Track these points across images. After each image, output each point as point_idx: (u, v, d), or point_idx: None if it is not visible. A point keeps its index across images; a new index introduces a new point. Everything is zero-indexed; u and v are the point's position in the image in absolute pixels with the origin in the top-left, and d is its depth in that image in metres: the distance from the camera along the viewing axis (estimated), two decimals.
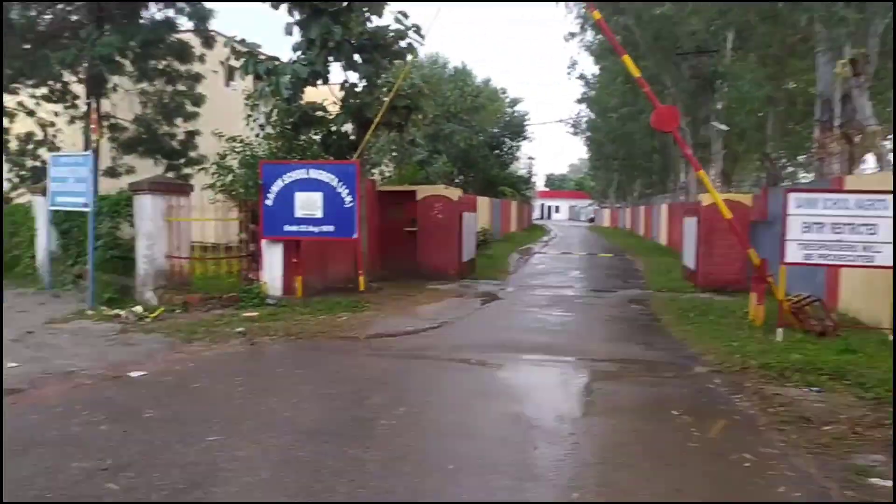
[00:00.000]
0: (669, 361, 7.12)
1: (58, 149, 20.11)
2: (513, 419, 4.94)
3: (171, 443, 4.24)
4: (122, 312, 9.75)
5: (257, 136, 11.44)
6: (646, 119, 37.46)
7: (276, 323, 9.12)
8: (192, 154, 16.43)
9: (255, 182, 10.47)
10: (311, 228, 10.46)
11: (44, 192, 12.79)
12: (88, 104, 14.66)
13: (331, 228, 10.43)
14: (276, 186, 10.53)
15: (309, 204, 10.43)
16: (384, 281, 13.35)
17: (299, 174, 10.45)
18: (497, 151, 42.01)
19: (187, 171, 16.29)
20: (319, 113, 11.76)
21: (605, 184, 73.38)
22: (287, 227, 10.53)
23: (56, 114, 19.01)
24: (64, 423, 4.72)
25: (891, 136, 15.86)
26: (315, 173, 10.41)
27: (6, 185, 19.85)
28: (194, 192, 11.16)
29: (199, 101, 16.05)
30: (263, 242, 10.72)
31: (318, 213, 10.42)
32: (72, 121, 16.79)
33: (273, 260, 10.75)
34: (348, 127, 11.92)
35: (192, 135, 16.49)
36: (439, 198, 14.84)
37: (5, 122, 19.13)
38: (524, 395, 5.78)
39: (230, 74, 24.01)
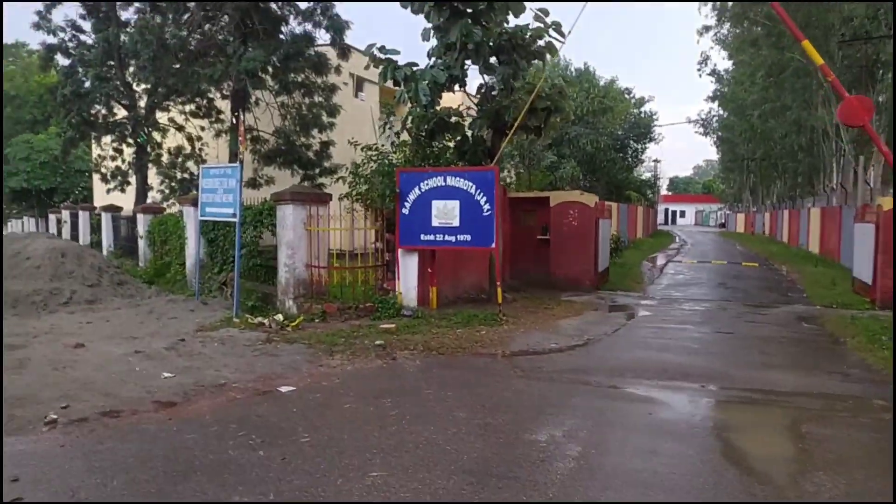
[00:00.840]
0: (881, 396, 5.98)
1: (204, 161, 21.44)
2: (714, 471, 4.17)
3: (332, 477, 3.90)
4: (265, 321, 9.87)
5: (393, 144, 11.28)
6: (792, 115, 34.54)
7: (415, 336, 8.81)
8: (327, 164, 16.76)
9: (391, 190, 10.27)
10: (448, 238, 10.11)
11: (194, 203, 13.42)
12: (236, 117, 15.32)
13: (468, 237, 10.02)
14: (413, 195, 10.29)
15: (446, 212, 10.08)
16: (515, 292, 12.80)
17: (436, 182, 10.14)
18: (622, 154, 40.34)
19: (322, 180, 16.62)
20: (455, 119, 11.41)
21: (738, 186, 68.71)
22: (423, 237, 10.24)
23: (202, 128, 20.23)
24: (220, 444, 4.54)
25: None
26: (453, 180, 10.05)
27: (157, 196, 21.41)
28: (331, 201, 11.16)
29: (334, 111, 16.35)
30: (399, 252, 10.50)
31: (455, 222, 10.04)
32: (217, 134, 17.70)
33: (409, 270, 10.50)
34: (483, 132, 11.48)
35: (326, 145, 16.85)
36: (574, 204, 14.07)
37: (158, 137, 20.63)
38: (714, 438, 4.96)
39: (359, 86, 24.56)
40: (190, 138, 20.69)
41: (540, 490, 3.74)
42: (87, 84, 19.28)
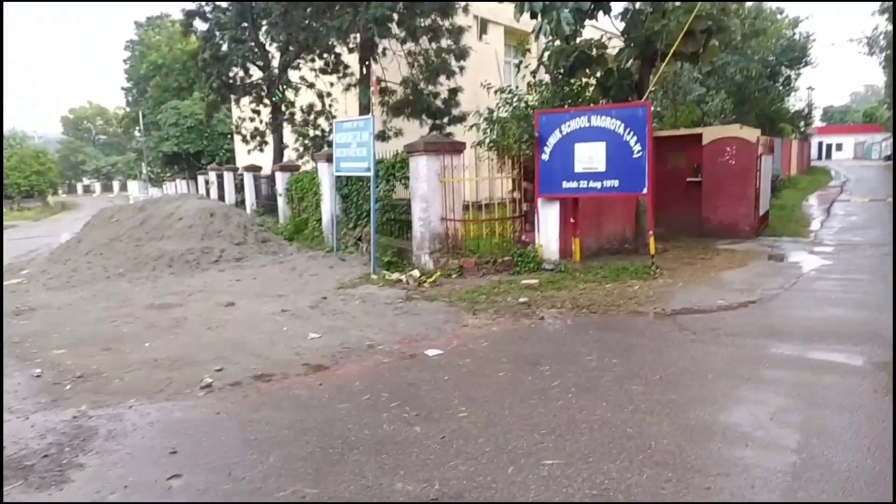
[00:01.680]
0: None
1: (334, 117, 21.65)
2: None
3: (500, 464, 3.44)
4: (403, 277, 9.65)
5: (529, 85, 10.44)
6: None
7: (560, 292, 8.18)
8: (455, 112, 16.19)
9: (529, 135, 9.52)
10: (593, 184, 9.25)
11: (327, 159, 13.44)
12: (367, 66, 15.03)
13: (615, 183, 9.10)
14: (554, 138, 9.48)
15: (591, 156, 9.20)
16: (663, 241, 11.69)
17: (580, 123, 9.25)
18: (773, 82, 36.28)
19: (450, 129, 16.11)
20: (598, 51, 10.34)
21: None
22: (566, 184, 9.45)
23: (332, 84, 20.32)
24: (374, 418, 4.23)
25: None
26: (598, 120, 9.11)
27: (293, 154, 22.01)
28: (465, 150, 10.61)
29: (463, 54, 15.63)
30: (539, 201, 9.80)
31: (601, 167, 9.14)
32: (347, 89, 17.63)
33: (549, 220, 9.79)
34: (629, 64, 10.33)
35: (454, 92, 16.23)
36: (733, 140, 12.54)
37: (291, 96, 21.04)
38: None
39: (482, 28, 23.55)
40: (320, 95, 20.87)
41: (760, 493, 3.04)
42: (225, 47, 19.90)
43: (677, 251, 10.89)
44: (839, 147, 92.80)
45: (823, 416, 3.97)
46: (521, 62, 10.88)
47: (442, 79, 15.91)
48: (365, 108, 14.65)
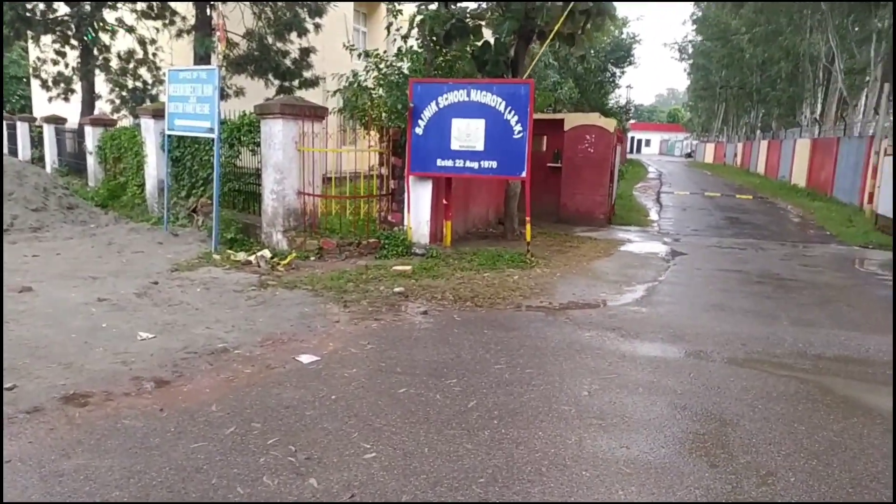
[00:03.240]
0: None
1: (158, 68, 18.92)
2: None
3: None
4: (252, 258, 8.32)
5: (399, 50, 9.47)
6: (784, 41, 33.13)
7: (437, 281, 7.43)
8: (308, 74, 14.70)
9: (403, 105, 8.59)
10: (470, 164, 8.58)
11: (154, 114, 11.44)
12: (206, 9, 12.98)
13: (494, 164, 8.51)
14: (429, 111, 8.64)
15: (469, 133, 8.51)
16: (524, 226, 11.46)
17: (458, 96, 8.50)
18: (601, 78, 38.59)
19: (301, 93, 14.63)
20: (474, 22, 9.63)
21: (707, 116, 67.91)
22: (441, 162, 8.68)
23: (157, 30, 17.66)
24: (248, 464, 3.14)
25: None
26: (478, 95, 8.42)
27: (107, 107, 18.96)
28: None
29: (319, 10, 14.13)
30: (410, 179, 8.94)
31: (480, 146, 8.50)
32: (178, 34, 15.29)
33: (420, 201, 8.98)
34: (507, 38, 9.74)
35: (307, 52, 14.72)
36: (592, 128, 12.60)
37: (106, 39, 18.01)
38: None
39: None
40: (142, 42, 18.10)
41: None
42: None
43: (543, 238, 10.65)
44: (647, 143, 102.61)
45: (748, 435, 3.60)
46: (391, 25, 9.80)
47: (293, 36, 14.33)
48: (202, 60, 12.71)
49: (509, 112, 8.34)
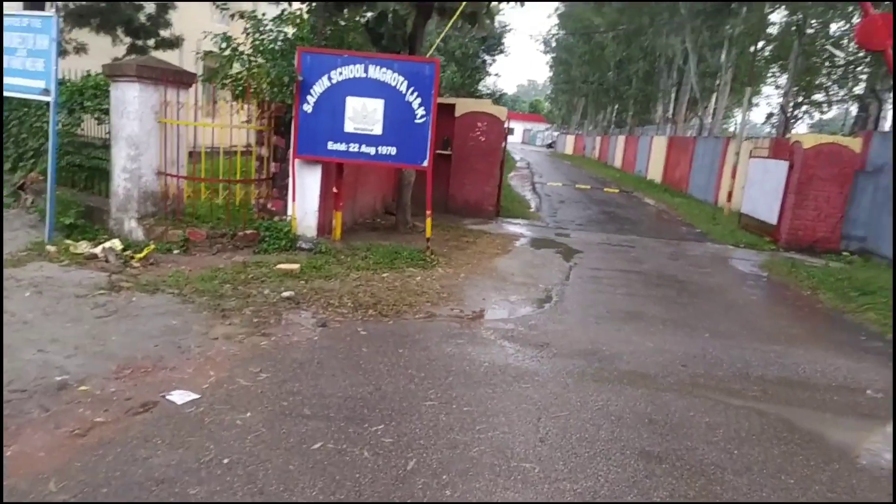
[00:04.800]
0: None
1: None
2: None
3: None
4: (98, 251, 6.88)
5: (282, 13, 8.24)
6: (645, 41, 34.99)
7: (331, 283, 6.51)
8: (165, 33, 12.81)
9: (290, 77, 7.47)
10: (366, 149, 7.66)
11: None
12: None
13: (392, 150, 7.66)
14: (320, 86, 7.60)
15: (365, 115, 7.59)
16: (414, 217, 10.76)
17: (354, 71, 7.53)
18: (476, 65, 38.66)
19: (157, 55, 12.73)
20: None
21: (567, 109, 71.04)
22: (332, 145, 7.69)
23: None
24: None
25: None
26: (377, 72, 7.51)
27: None
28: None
29: None
30: (296, 163, 7.86)
31: (377, 129, 7.61)
32: None
33: (307, 188, 7.94)
34: (405, 11, 8.88)
35: (164, 8, 12.80)
36: (484, 116, 12.09)
37: None
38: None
39: None
40: None
41: None
42: None
43: (436, 231, 9.93)
44: (511, 131, 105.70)
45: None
46: None
47: None
48: (35, 6, 10.57)
49: (411, 93, 7.52)
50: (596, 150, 49.12)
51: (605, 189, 22.61)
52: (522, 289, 7.02)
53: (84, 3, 12.05)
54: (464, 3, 8.03)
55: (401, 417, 3.58)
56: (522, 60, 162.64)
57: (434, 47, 8.75)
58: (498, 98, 51.77)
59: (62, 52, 12.48)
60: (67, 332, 4.62)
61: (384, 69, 7.50)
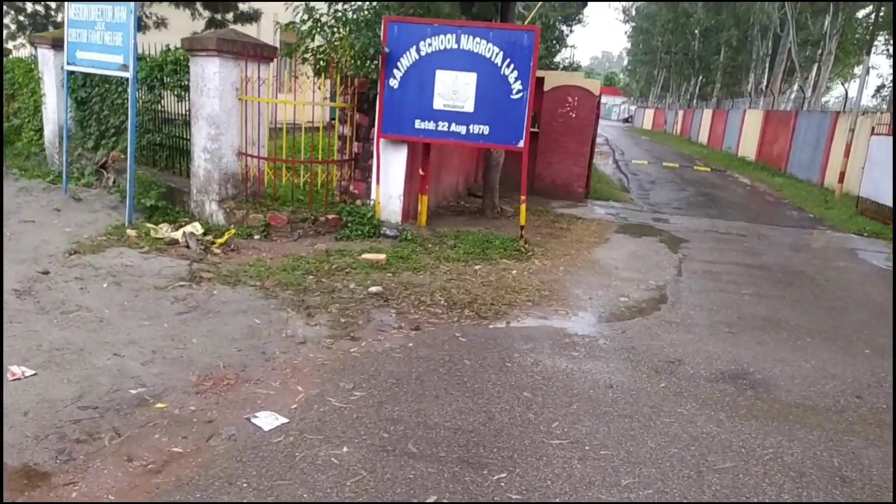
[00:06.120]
0: None
1: None
2: None
3: None
4: (179, 236, 6.55)
5: None
6: (739, 7, 32.58)
7: (420, 276, 5.95)
8: (243, 6, 12.50)
9: (375, 49, 6.88)
10: (456, 128, 7.01)
11: (55, 44, 9.22)
12: None
13: (485, 129, 6.98)
14: (408, 59, 6.97)
15: (456, 90, 6.92)
16: (502, 200, 10.07)
17: (445, 42, 6.86)
18: (556, 35, 37.14)
19: (235, 27, 12.46)
20: None
21: (647, 81, 68.03)
22: (420, 124, 7.07)
23: None
24: None
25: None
26: (470, 42, 6.81)
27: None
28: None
29: None
30: (381, 143, 7.30)
31: (469, 106, 6.93)
32: None
33: (392, 170, 7.37)
34: None
35: None
36: (575, 90, 11.20)
37: None
38: None
39: None
40: None
41: None
42: None
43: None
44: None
45: None
46: None
47: None
48: None
49: (508, 66, 6.79)
50: (678, 124, 46.66)
51: (695, 167, 21.16)
52: (631, 285, 6.24)
53: None
54: None
55: (525, 462, 2.95)
56: (598, 31, 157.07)
57: (533, 14, 7.93)
58: (574, 70, 49.93)
59: (142, 27, 12.42)
60: (145, 331, 4.23)
61: (478, 39, 6.79)
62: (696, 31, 43.78)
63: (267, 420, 3.22)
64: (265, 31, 12.11)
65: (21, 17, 15.90)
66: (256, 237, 6.93)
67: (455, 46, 6.85)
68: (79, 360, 3.72)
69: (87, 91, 8.92)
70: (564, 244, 7.73)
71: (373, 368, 3.94)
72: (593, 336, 4.78)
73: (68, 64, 7.49)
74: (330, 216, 7.30)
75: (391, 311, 5.04)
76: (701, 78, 49.15)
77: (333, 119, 7.79)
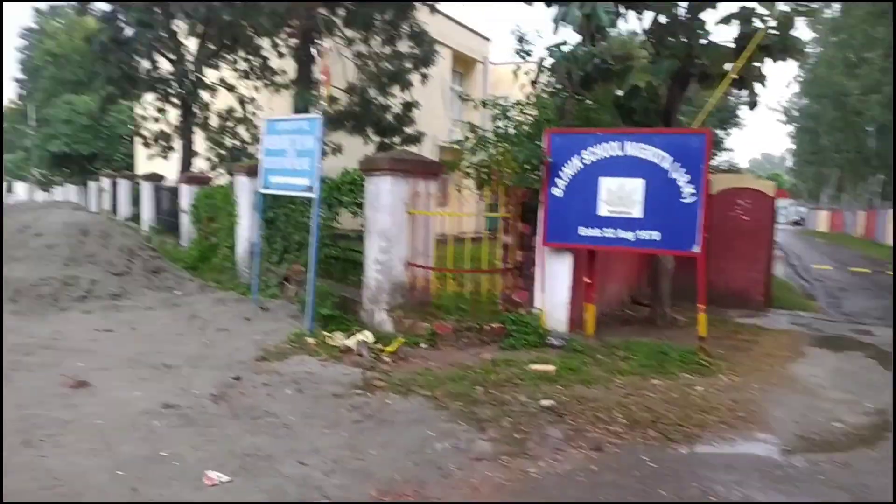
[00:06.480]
0: None
1: (256, 127, 18.46)
2: None
3: None
4: (352, 343, 6.78)
5: (527, 99, 7.98)
6: None
7: (593, 390, 5.59)
8: (409, 130, 13.53)
9: (538, 159, 7.00)
10: (623, 234, 6.80)
11: (248, 172, 10.46)
12: (319, 50, 12.02)
13: (656, 235, 6.69)
14: (571, 168, 7.01)
15: (622, 196, 6.78)
16: (672, 310, 9.47)
17: (609, 150, 6.83)
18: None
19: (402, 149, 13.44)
20: (621, 63, 8.03)
21: (816, 181, 63.59)
22: (584, 231, 6.96)
23: (256, 88, 17.27)
24: None
25: None
26: (635, 149, 6.72)
27: (204, 165, 18.63)
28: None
29: (426, 60, 13.01)
30: (545, 251, 7.25)
31: (637, 212, 6.73)
32: (276, 90, 14.61)
33: (557, 278, 7.25)
34: (658, 84, 8.08)
35: (409, 107, 13.60)
36: (747, 192, 10.59)
37: (207, 97, 17.79)
38: None
39: None
40: (241, 100, 17.78)
41: None
42: (129, 31, 16.45)
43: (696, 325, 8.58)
44: None
45: None
46: (518, 71, 8.32)
47: (395, 90, 13.26)
48: (305, 111, 11.76)
49: (677, 169, 6.56)
50: (859, 226, 42.54)
51: (886, 272, 18.82)
52: (843, 408, 5.41)
53: (341, 108, 13.20)
54: (742, 59, 6.98)
55: None
56: (756, 133, 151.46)
57: (700, 120, 7.75)
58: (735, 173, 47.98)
59: (322, 153, 13.81)
60: (326, 440, 4.29)
61: (644, 145, 6.68)
62: (870, 129, 40.70)
63: None
64: (426, 151, 13.00)
65: (221, 151, 18.42)
66: (423, 345, 7.00)
67: (620, 153, 6.78)
68: (268, 467, 3.81)
69: (274, 212, 9.89)
70: (753, 357, 6.99)
71: (556, 493, 3.64)
72: (810, 469, 4.11)
73: (263, 187, 8.38)
74: (494, 325, 7.24)
75: (565, 428, 4.73)
76: (881, 176, 45.01)
77: (489, 229, 7.94)
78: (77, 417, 4.49)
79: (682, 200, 6.58)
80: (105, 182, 23.11)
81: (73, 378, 5.34)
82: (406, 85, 13.12)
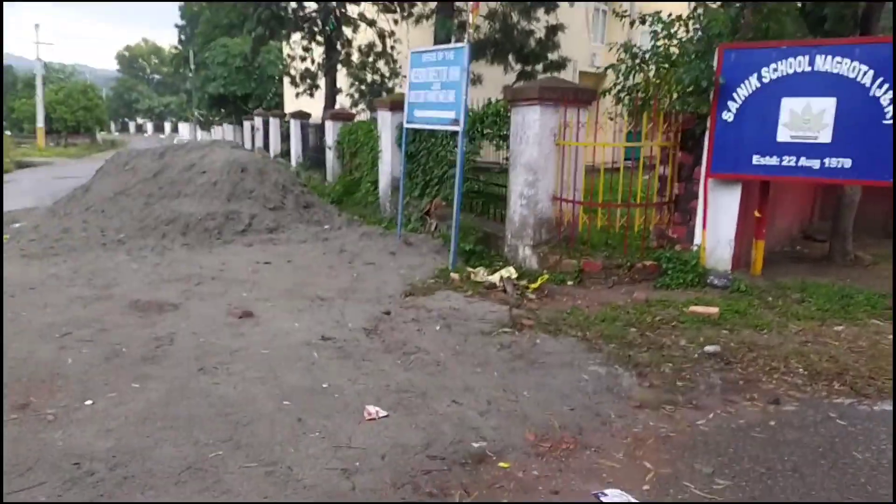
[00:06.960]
0: None
1: (395, 61, 18.49)
2: None
3: None
4: (497, 280, 6.66)
5: (696, 9, 7.12)
6: None
7: (763, 335, 5.07)
8: (553, 56, 12.83)
9: (707, 80, 6.25)
10: (806, 162, 5.98)
11: (391, 107, 10.45)
12: None
13: (846, 163, 5.81)
14: (745, 89, 6.20)
15: (808, 118, 5.91)
16: (821, 243, 8.43)
17: (795, 65, 5.93)
18: None
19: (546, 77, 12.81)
20: None
21: None
22: (759, 159, 6.20)
23: (395, 22, 17.16)
24: None
25: None
26: (828, 63, 5.78)
27: (346, 101, 19.07)
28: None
29: None
30: (709, 183, 6.59)
31: (824, 136, 5.86)
32: (416, 21, 14.39)
33: (722, 212, 6.59)
34: None
35: (553, 30, 12.84)
36: None
37: (348, 33, 17.99)
38: None
39: None
40: (381, 35, 17.79)
41: None
42: None
43: (887, 265, 7.53)
44: None
45: None
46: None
47: (540, 12, 12.52)
48: (449, 41, 11.48)
49: (879, 86, 5.58)
50: None
51: None
52: None
53: (481, 37, 12.75)
54: None
55: None
56: None
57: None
58: None
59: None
60: (478, 379, 4.22)
61: (839, 58, 5.72)
62: None
63: (617, 499, 2.84)
64: (567, 79, 12.27)
65: (362, 87, 18.72)
66: (569, 283, 6.73)
67: (808, 69, 5.88)
68: (423, 404, 3.81)
69: (415, 146, 9.86)
70: None
71: (731, 450, 3.31)
72: None
73: (408, 122, 8.31)
74: (647, 263, 6.78)
75: (736, 377, 4.31)
76: None
77: (627, 158, 7.35)
78: (244, 346, 4.77)
79: (882, 122, 5.62)
80: (258, 121, 24.51)
81: (239, 308, 5.70)
82: (551, 6, 12.33)
